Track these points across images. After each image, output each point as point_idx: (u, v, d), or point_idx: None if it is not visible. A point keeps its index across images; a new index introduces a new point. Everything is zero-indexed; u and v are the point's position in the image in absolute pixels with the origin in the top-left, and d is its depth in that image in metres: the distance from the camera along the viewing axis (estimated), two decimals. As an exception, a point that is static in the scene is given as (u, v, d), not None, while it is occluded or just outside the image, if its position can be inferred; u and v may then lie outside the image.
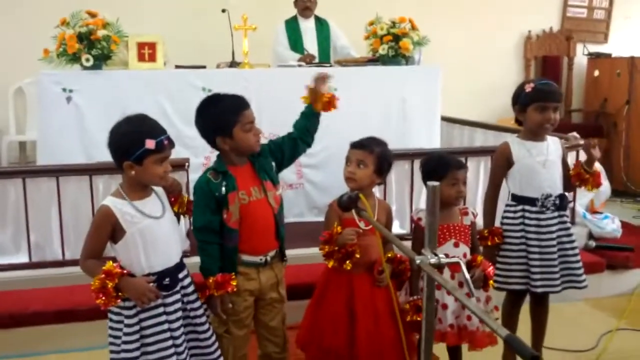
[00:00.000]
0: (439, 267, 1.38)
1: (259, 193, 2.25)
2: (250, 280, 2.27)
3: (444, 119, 5.05)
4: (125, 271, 1.93)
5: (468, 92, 6.16)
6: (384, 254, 2.30)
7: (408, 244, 2.42)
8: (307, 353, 2.44)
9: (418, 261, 1.38)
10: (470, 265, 2.42)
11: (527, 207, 2.57)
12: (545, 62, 6.72)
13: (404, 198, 3.82)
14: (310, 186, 4.20)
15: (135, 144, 1.93)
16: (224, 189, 2.18)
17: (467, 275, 1.42)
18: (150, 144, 1.93)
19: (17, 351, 2.56)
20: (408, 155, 3.73)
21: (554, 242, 2.56)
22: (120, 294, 1.93)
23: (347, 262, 2.26)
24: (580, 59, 6.79)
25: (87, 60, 3.83)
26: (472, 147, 4.66)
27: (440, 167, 2.42)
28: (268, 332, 2.38)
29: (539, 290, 2.56)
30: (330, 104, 2.42)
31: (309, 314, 2.44)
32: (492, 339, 2.45)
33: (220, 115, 2.22)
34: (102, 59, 3.91)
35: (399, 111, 4.34)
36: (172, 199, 2.17)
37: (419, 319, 2.31)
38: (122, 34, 4.00)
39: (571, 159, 3.84)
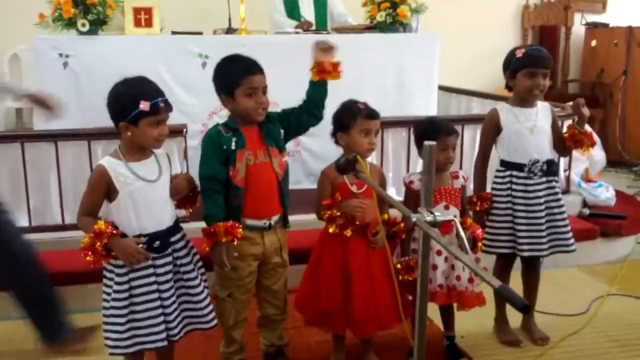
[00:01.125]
0: (434, 224, 1.41)
1: (264, 157, 2.27)
2: (254, 245, 2.29)
3: (441, 87, 5.05)
4: (115, 231, 1.96)
5: (465, 61, 6.15)
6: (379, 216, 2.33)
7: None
8: (304, 315, 2.48)
9: (414, 219, 1.41)
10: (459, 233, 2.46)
11: (514, 173, 2.61)
12: (543, 32, 6.71)
13: (401, 165, 3.84)
14: (307, 154, 4.23)
15: (130, 105, 1.95)
16: (234, 144, 2.21)
17: (462, 232, 1.45)
18: (144, 105, 1.94)
19: (18, 313, 2.61)
20: (405, 123, 3.75)
21: (542, 207, 2.60)
22: (111, 253, 1.97)
23: (349, 228, 2.29)
24: (578, 29, 6.78)
25: (83, 25, 3.82)
26: (469, 114, 4.67)
27: (430, 131, 2.44)
28: (270, 295, 2.42)
29: (525, 253, 2.61)
30: (334, 72, 2.39)
31: (306, 277, 2.48)
32: (481, 300, 2.51)
33: (228, 75, 2.25)
34: (98, 24, 3.89)
35: (396, 79, 4.34)
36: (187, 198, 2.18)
37: (410, 278, 2.37)
38: (118, -1, 3.98)
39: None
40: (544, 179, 2.62)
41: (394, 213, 2.40)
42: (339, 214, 2.30)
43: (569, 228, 2.66)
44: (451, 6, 6.11)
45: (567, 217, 2.68)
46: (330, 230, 2.32)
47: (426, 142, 1.44)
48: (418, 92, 4.40)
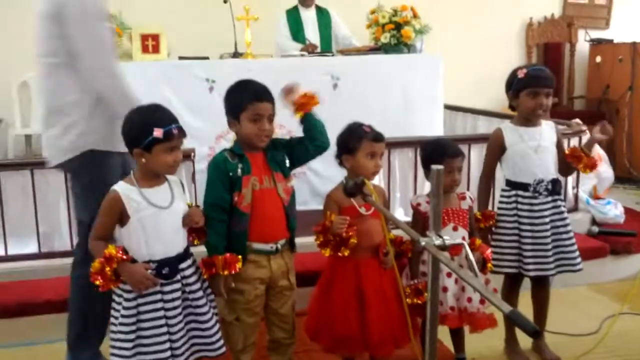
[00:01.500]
0: (444, 248, 1.42)
1: (269, 183, 2.29)
2: (261, 268, 2.30)
3: (447, 107, 5.08)
4: (125, 257, 1.98)
5: (470, 80, 6.18)
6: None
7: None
8: (319, 342, 2.46)
9: (423, 243, 1.41)
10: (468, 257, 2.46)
11: (520, 192, 2.62)
12: (547, 49, 6.73)
13: (408, 186, 3.85)
14: (313, 174, 4.25)
15: (145, 132, 1.98)
16: (240, 170, 2.23)
17: (471, 256, 1.45)
18: (158, 132, 1.97)
19: (28, 339, 2.61)
20: (411, 143, 3.76)
21: (548, 227, 2.60)
22: (120, 278, 1.98)
23: (343, 248, 2.29)
24: (582, 46, 6.80)
25: (92, 52, 3.85)
26: (475, 134, 4.68)
27: (436, 154, 2.45)
28: (278, 318, 2.41)
29: (531, 273, 2.61)
30: (310, 102, 2.38)
31: (316, 302, 2.46)
32: (492, 321, 2.50)
33: (235, 98, 2.28)
34: (106, 51, 3.93)
35: (401, 99, 4.37)
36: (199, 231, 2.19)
37: (419, 302, 2.36)
38: (125, 26, 4.04)
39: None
40: (549, 199, 2.62)
41: (400, 232, 2.41)
42: (330, 237, 2.30)
43: (575, 247, 2.65)
44: (455, 26, 6.17)
45: (574, 236, 2.68)
46: (325, 254, 2.31)
47: (433, 166, 1.45)
48: (423, 111, 4.42)
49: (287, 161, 2.36)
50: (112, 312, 2.07)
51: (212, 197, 2.24)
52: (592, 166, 2.66)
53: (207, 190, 2.27)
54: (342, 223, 2.27)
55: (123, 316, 2.02)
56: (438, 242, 1.41)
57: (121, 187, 2.03)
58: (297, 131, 4.02)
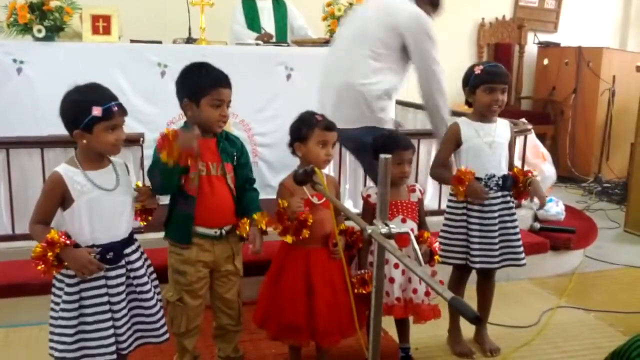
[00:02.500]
0: (390, 236, 1.44)
1: (216, 170, 2.28)
2: (204, 252, 2.30)
3: (398, 102, 5.13)
4: (68, 241, 1.92)
5: (423, 77, 6.25)
6: (336, 227, 2.35)
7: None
8: (266, 330, 2.46)
9: (369, 230, 1.43)
10: (417, 241, 2.50)
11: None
12: (498, 50, 6.88)
13: (358, 178, 3.88)
14: (264, 165, 4.24)
15: (83, 111, 1.91)
16: None
17: (416, 245, 1.48)
18: (97, 110, 1.90)
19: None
20: (363, 136, 3.78)
21: (496, 221, 2.66)
22: (63, 263, 1.92)
23: (304, 230, 2.29)
24: (531, 48, 6.98)
25: (39, 31, 3.75)
26: (425, 128, 4.74)
27: (387, 145, 2.48)
28: (223, 304, 2.41)
29: (477, 265, 2.67)
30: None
31: (265, 291, 2.46)
32: (436, 312, 2.55)
33: (197, 81, 2.26)
34: (54, 31, 3.83)
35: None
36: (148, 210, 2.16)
37: (364, 292, 2.39)
38: (75, 6, 3.92)
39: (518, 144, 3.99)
40: (499, 194, 2.68)
41: (352, 223, 2.44)
42: (289, 223, 2.30)
43: (520, 243, 2.73)
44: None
45: (519, 232, 2.75)
46: (289, 240, 2.32)
47: (381, 155, 1.47)
48: (376, 106, 4.44)
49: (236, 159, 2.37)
50: (52, 298, 2.01)
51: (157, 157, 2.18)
52: (520, 197, 2.79)
53: (154, 156, 2.21)
54: (299, 202, 2.28)
55: (65, 302, 1.96)
56: (384, 230, 1.43)
57: (64, 169, 1.97)
58: (249, 119, 3.98)
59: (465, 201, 2.67)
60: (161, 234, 2.38)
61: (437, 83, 3.12)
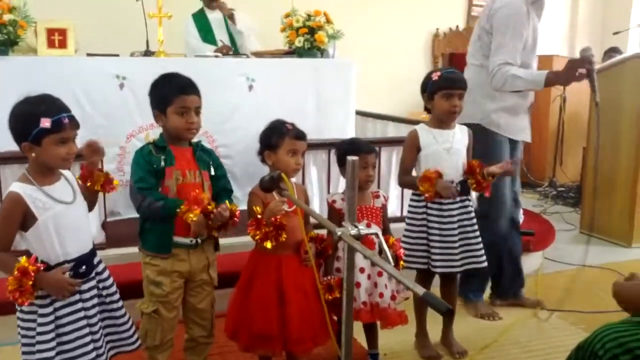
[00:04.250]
0: (359, 238, 1.46)
1: (193, 177, 2.29)
2: (180, 262, 2.29)
3: (358, 112, 5.19)
4: (41, 266, 1.85)
5: (380, 87, 6.36)
6: (306, 234, 2.36)
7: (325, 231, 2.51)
8: (237, 341, 2.44)
9: (339, 232, 1.45)
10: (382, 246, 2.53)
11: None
12: (452, 59, 6.99)
13: (322, 187, 3.90)
14: (229, 176, 4.20)
15: (31, 123, 1.83)
16: (163, 162, 2.23)
17: (385, 246, 1.50)
18: (45, 122, 1.83)
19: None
20: (325, 145, 3.82)
21: (455, 225, 2.72)
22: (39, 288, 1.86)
23: (282, 233, 2.28)
24: (485, 57, 7.14)
25: (-8, 45, 3.66)
26: (386, 137, 4.81)
27: (351, 150, 2.51)
28: (196, 315, 2.40)
29: (438, 270, 2.72)
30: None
31: (236, 301, 2.44)
32: (403, 318, 2.58)
33: (161, 91, 2.28)
34: (8, 45, 3.73)
35: (315, 103, 4.41)
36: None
37: (330, 297, 2.39)
38: (29, 19, 3.83)
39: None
40: (457, 199, 2.73)
41: (322, 231, 2.46)
42: (268, 229, 2.28)
43: (480, 246, 2.78)
44: (367, 33, 6.32)
45: (479, 235, 2.80)
46: (269, 246, 2.29)
47: (349, 157, 1.49)
48: (336, 116, 4.48)
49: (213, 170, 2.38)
50: (23, 325, 1.92)
51: (139, 174, 2.23)
52: (481, 190, 2.78)
53: (133, 172, 2.25)
54: (279, 204, 2.26)
55: (41, 325, 1.89)
56: (353, 231, 1.45)
57: (21, 188, 1.88)
58: (212, 131, 3.93)
59: (425, 206, 2.71)
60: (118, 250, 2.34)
61: None
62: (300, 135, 2.42)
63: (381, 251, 2.48)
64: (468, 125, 3.05)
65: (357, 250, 1.40)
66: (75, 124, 1.92)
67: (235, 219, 2.31)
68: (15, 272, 1.82)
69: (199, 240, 2.30)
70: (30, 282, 1.82)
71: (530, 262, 3.93)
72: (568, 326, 3.17)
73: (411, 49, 6.87)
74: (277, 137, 2.39)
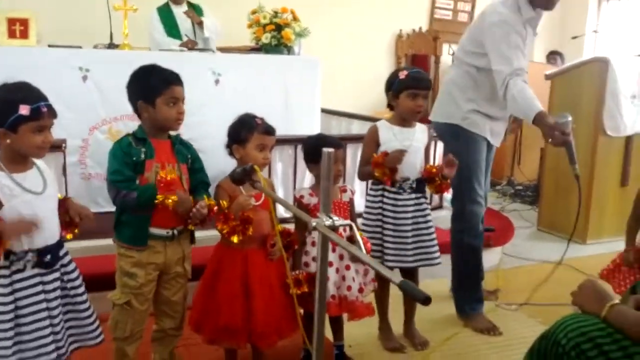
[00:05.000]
0: (334, 228, 1.49)
1: (172, 171, 2.28)
2: (156, 254, 2.29)
3: (323, 110, 5.23)
4: None
5: (345, 85, 6.41)
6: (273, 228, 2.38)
7: (291, 226, 2.55)
8: (202, 334, 2.44)
9: (314, 223, 1.47)
10: (350, 240, 2.57)
11: (387, 188, 2.76)
12: (415, 60, 7.14)
13: (288, 182, 3.93)
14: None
15: (9, 110, 1.83)
16: (143, 155, 2.23)
17: (359, 236, 1.53)
18: (24, 109, 1.83)
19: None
20: (291, 141, 3.85)
21: (409, 222, 2.76)
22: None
23: (249, 227, 2.30)
24: (446, 58, 7.27)
25: (-50, 33, 3.57)
26: (350, 134, 4.88)
27: (320, 145, 2.52)
28: (168, 307, 2.41)
29: (390, 264, 2.76)
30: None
31: (201, 294, 2.44)
32: (370, 310, 2.62)
33: (149, 82, 2.26)
34: (-33, 34, 3.66)
35: (281, 99, 4.45)
36: None
37: (299, 292, 2.41)
38: (-10, 8, 3.77)
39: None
40: (412, 196, 2.78)
41: (287, 225, 2.48)
42: (235, 223, 2.29)
43: (434, 243, 2.83)
44: (332, 32, 6.36)
45: (434, 232, 2.85)
46: (235, 240, 2.30)
47: (325, 149, 1.52)
48: (302, 112, 4.53)
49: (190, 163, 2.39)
50: None
51: (116, 166, 2.21)
52: (440, 190, 2.87)
53: (110, 164, 2.24)
54: (247, 198, 2.28)
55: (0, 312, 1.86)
56: (328, 222, 1.48)
57: None
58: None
59: (381, 200, 2.76)
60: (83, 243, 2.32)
61: None
62: (269, 130, 2.44)
63: (353, 242, 2.55)
64: (446, 125, 3.12)
65: (333, 240, 1.43)
66: (53, 113, 1.92)
67: (212, 213, 2.32)
68: None
69: (175, 232, 2.31)
70: None
71: (489, 258, 4.03)
72: (526, 319, 3.27)
73: (375, 49, 6.95)
74: (246, 131, 2.40)
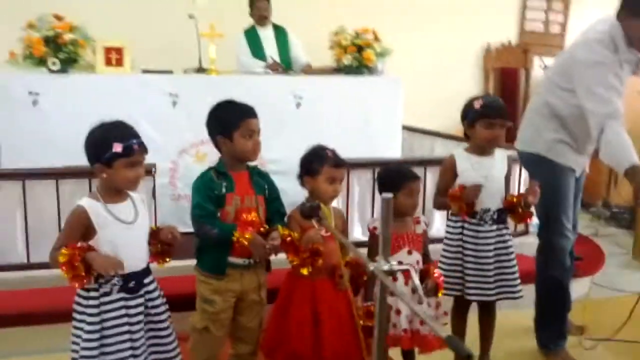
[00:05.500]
0: (391, 273, 1.49)
1: (250, 202, 2.38)
2: (233, 282, 2.39)
3: (405, 128, 5.20)
4: (86, 245, 1.98)
5: (430, 103, 6.32)
6: (342, 259, 2.40)
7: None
8: (273, 359, 2.50)
9: (372, 268, 1.48)
10: (423, 275, 2.55)
11: (467, 219, 2.70)
12: (503, 74, 6.94)
13: (366, 206, 3.93)
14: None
15: (105, 147, 2.01)
16: (224, 188, 2.34)
17: (417, 281, 1.54)
18: (117, 147, 2.01)
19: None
20: (370, 164, 3.85)
21: (491, 254, 2.69)
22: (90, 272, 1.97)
23: (318, 259, 2.33)
24: (537, 72, 7.02)
25: (54, 63, 3.86)
26: (432, 157, 4.81)
27: (397, 179, 2.53)
28: (244, 333, 2.50)
29: (472, 297, 2.71)
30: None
31: (273, 320, 2.51)
32: (441, 343, 2.57)
33: (226, 117, 2.39)
34: (68, 63, 3.94)
35: (362, 120, 4.48)
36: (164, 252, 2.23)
37: (370, 324, 2.39)
38: (89, 38, 4.03)
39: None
40: (494, 227, 2.71)
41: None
42: (305, 255, 2.33)
43: (516, 275, 2.75)
44: (416, 48, 6.30)
45: (516, 265, 2.77)
46: (305, 272, 2.35)
47: (383, 195, 1.53)
48: (382, 133, 4.54)
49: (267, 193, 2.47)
50: (74, 329, 2.07)
51: (199, 200, 2.33)
52: (523, 220, 2.79)
53: (193, 197, 2.37)
54: (318, 233, 2.32)
55: (88, 332, 2.03)
56: (386, 267, 1.49)
57: (87, 202, 2.06)
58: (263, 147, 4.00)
59: (461, 232, 2.71)
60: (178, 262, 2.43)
61: None
62: (339, 163, 2.47)
63: (422, 279, 2.53)
64: (532, 155, 3.01)
65: (388, 287, 1.43)
66: (143, 149, 2.09)
67: (285, 243, 2.37)
68: (64, 252, 1.94)
69: (252, 262, 2.39)
70: (80, 257, 1.94)
71: (577, 287, 3.84)
72: (613, 357, 3.09)
73: (462, 64, 6.82)
74: (317, 163, 2.45)
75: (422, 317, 1.25)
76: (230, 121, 2.36)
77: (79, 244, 1.97)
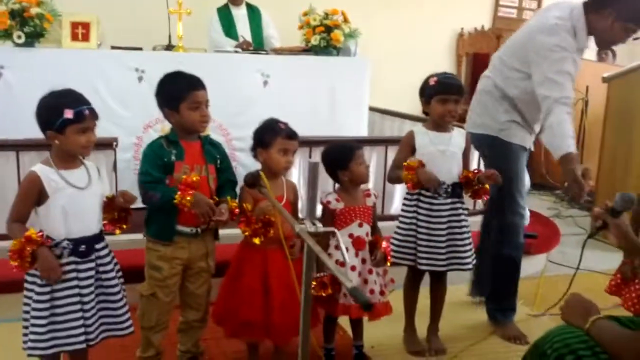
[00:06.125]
0: (317, 235, 1.56)
1: (200, 171, 2.42)
2: (180, 249, 2.44)
3: (376, 110, 5.27)
4: (47, 241, 2.06)
5: (402, 86, 6.32)
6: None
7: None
8: (224, 328, 2.57)
9: (297, 229, 1.55)
10: (373, 246, 2.65)
11: (422, 192, 2.79)
12: (476, 59, 7.02)
13: (329, 185, 3.98)
14: (242, 168, 4.33)
15: (56, 114, 2.06)
16: (173, 156, 2.38)
17: (342, 244, 1.60)
18: (68, 113, 2.06)
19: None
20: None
21: (444, 227, 2.78)
22: (35, 263, 2.05)
23: (270, 230, 2.40)
24: (510, 58, 7.10)
25: (19, 37, 3.86)
26: (389, 136, 4.90)
27: (344, 152, 2.62)
28: (192, 300, 2.55)
29: (424, 267, 2.80)
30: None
31: (224, 290, 2.58)
32: (388, 309, 2.67)
33: (172, 90, 2.42)
34: (34, 37, 3.94)
35: (329, 100, 4.54)
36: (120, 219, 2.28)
37: (324, 294, 2.47)
38: (55, 13, 4.03)
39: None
40: (449, 200, 2.79)
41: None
42: (257, 225, 2.40)
43: (468, 248, 2.84)
44: (388, 31, 6.37)
45: (469, 237, 2.85)
46: (257, 242, 2.41)
47: (310, 160, 1.60)
48: (349, 113, 4.60)
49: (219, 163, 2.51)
50: (25, 293, 2.13)
51: (146, 167, 2.37)
52: (478, 196, 2.86)
53: (141, 164, 2.41)
54: (269, 204, 2.36)
55: (38, 293, 2.08)
56: (311, 229, 1.56)
57: (40, 168, 2.11)
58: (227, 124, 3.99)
59: (416, 204, 2.79)
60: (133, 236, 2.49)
61: None
62: (291, 135, 2.52)
63: (372, 250, 2.62)
64: (484, 136, 3.09)
65: (311, 248, 1.50)
66: (94, 115, 2.15)
67: (235, 215, 2.44)
68: (22, 238, 2.03)
69: (199, 230, 2.44)
70: (30, 251, 2.02)
71: (530, 265, 3.96)
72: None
73: (435, 48, 6.89)
74: (270, 135, 2.50)
75: (334, 271, 1.32)
76: (176, 93, 2.39)
77: (32, 234, 2.03)
